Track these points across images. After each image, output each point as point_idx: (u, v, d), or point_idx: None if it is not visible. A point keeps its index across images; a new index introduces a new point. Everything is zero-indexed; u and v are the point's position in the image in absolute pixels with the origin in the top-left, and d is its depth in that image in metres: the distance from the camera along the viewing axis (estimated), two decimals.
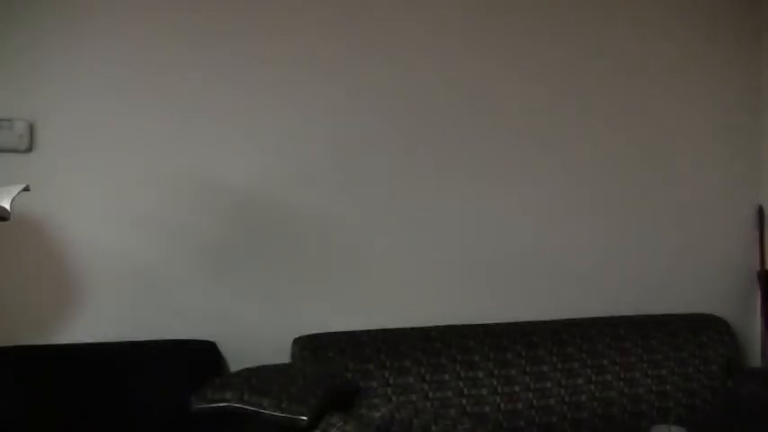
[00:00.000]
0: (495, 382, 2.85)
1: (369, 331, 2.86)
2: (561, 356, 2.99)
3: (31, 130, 2.61)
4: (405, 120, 3.07)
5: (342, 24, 2.99)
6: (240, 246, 2.84)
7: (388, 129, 3.04)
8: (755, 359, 3.54)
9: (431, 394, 2.75)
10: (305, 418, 2.22)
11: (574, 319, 3.19)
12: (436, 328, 2.96)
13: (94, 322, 2.66)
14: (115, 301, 2.69)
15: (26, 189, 2.09)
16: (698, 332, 3.26)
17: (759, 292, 3.55)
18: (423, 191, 3.09)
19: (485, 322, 3.06)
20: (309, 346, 2.74)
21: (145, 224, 2.74)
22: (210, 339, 2.74)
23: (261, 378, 2.38)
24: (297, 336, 2.79)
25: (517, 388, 2.87)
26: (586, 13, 3.35)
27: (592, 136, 3.36)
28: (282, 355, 2.77)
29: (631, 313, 3.32)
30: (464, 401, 2.79)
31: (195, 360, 2.64)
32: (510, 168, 3.22)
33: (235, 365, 2.77)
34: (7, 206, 2.03)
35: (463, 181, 3.16)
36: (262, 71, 2.88)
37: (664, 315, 3.34)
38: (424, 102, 3.09)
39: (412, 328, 2.93)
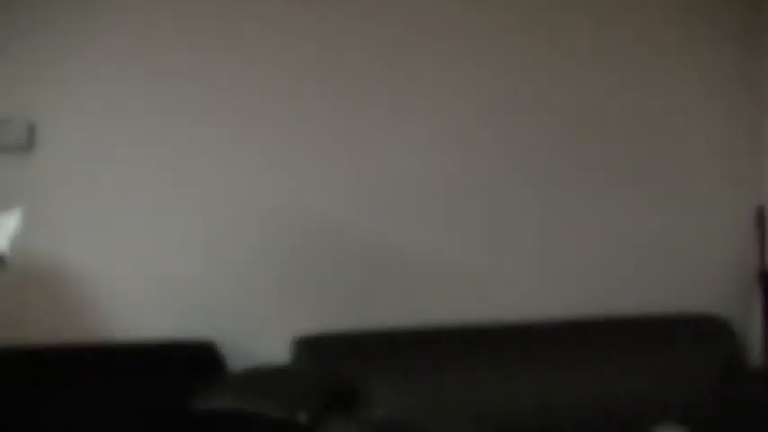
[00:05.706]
0: (495, 382, 2.85)
1: (369, 331, 2.86)
2: (561, 356, 2.99)
3: (31, 130, 2.61)
4: None
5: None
6: (240, 245, 2.84)
7: None
8: (755, 359, 3.54)
9: (431, 394, 2.75)
10: (305, 418, 2.21)
11: (574, 319, 3.19)
12: (436, 328, 2.96)
13: (94, 322, 2.66)
14: (114, 300, 2.69)
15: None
16: (698, 332, 3.26)
17: (759, 292, 3.54)
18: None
19: (484, 322, 3.06)
20: (309, 346, 2.74)
21: (145, 223, 2.74)
22: (210, 339, 2.74)
23: (261, 378, 2.39)
24: (297, 336, 2.79)
25: (517, 388, 2.87)
26: (584, 11, 3.35)
27: (588, 134, 3.35)
28: (282, 355, 2.77)
29: (631, 313, 3.31)
30: (464, 401, 2.79)
31: (195, 360, 2.64)
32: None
33: (235, 365, 2.76)
34: (5, 248, 1.54)
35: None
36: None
37: (663, 315, 3.33)
38: None
39: (412, 328, 2.93)
